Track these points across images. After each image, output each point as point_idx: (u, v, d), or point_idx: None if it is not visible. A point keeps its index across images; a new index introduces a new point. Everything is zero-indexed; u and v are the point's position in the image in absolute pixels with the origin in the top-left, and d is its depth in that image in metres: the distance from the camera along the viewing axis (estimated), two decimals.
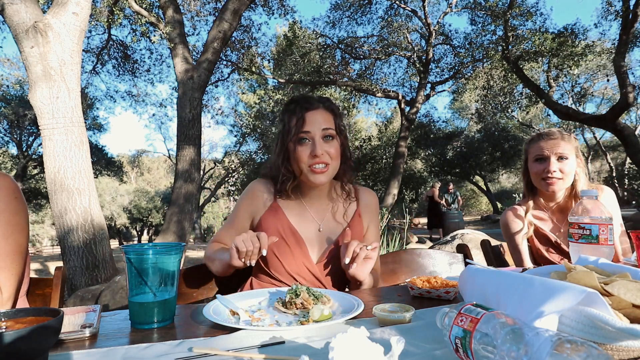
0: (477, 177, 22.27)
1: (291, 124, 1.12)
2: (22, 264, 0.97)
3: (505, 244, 1.73)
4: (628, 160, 17.07)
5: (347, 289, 1.20)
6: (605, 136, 20.71)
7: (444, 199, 10.19)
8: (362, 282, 1.07)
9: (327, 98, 1.20)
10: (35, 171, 17.47)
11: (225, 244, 1.22)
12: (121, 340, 0.72)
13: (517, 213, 1.52)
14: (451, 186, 10.56)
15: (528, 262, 1.48)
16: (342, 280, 1.16)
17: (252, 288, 1.19)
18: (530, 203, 1.49)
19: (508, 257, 1.68)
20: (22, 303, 1.12)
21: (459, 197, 10.56)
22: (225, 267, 1.09)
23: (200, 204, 22.06)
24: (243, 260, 0.98)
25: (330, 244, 1.16)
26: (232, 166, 21.20)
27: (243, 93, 20.21)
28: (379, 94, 12.67)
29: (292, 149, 1.13)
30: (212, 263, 1.16)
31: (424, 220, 19.75)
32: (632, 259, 1.09)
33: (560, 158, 1.38)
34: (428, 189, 13.45)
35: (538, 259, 1.49)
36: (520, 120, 19.39)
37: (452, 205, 10.21)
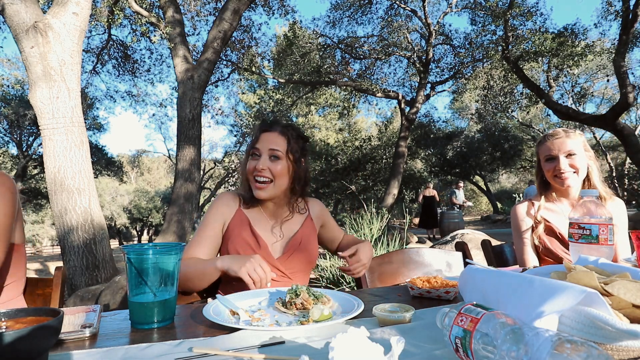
0: (477, 177, 22.27)
1: (250, 141, 1.33)
2: (3, 245, 0.97)
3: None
4: (628, 160, 17.08)
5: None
6: (605, 136, 20.73)
7: (455, 198, 10.31)
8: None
9: (290, 125, 1.34)
10: (35, 171, 17.46)
11: (202, 257, 1.24)
12: (121, 340, 0.72)
13: (527, 208, 1.58)
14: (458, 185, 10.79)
15: (530, 258, 1.51)
16: (303, 270, 1.34)
17: (222, 286, 1.28)
18: (542, 200, 1.56)
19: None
20: (20, 302, 1.12)
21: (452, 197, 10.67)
22: (210, 276, 1.12)
23: (200, 204, 22.06)
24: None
25: (289, 243, 1.33)
26: (232, 166, 21.20)
27: (243, 93, 20.21)
28: (379, 94, 12.67)
29: (246, 161, 1.32)
30: (192, 280, 1.16)
31: None
32: (632, 259, 1.09)
33: (569, 155, 1.45)
34: (422, 189, 13.62)
35: (543, 254, 1.51)
36: (520, 120, 19.39)
37: (467, 203, 10.41)
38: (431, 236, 10.32)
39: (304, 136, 1.37)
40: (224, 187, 23.39)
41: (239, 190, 1.38)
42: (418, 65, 12.50)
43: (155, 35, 8.31)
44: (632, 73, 13.94)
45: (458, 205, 10.31)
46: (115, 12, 7.69)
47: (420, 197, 10.83)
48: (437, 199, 10.53)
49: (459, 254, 1.60)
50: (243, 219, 1.31)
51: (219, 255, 1.32)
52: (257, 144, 1.28)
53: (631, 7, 8.03)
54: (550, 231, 1.50)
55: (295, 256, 1.31)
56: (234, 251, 1.25)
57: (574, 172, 1.45)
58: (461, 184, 10.96)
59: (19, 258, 1.09)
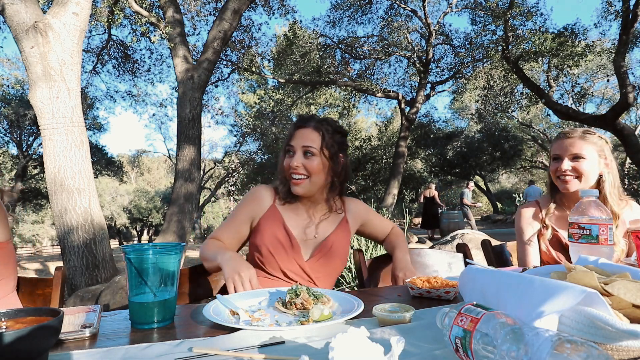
0: (477, 177, 22.26)
1: (286, 138, 1.31)
2: None
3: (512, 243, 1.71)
4: (628, 160, 17.09)
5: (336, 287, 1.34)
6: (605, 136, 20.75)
7: (464, 199, 10.42)
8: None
9: (326, 120, 1.30)
10: (35, 171, 17.43)
11: (223, 241, 1.29)
12: (121, 340, 0.72)
13: (535, 212, 1.49)
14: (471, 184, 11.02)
15: (530, 259, 1.46)
16: (329, 274, 1.31)
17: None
18: (552, 205, 1.45)
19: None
20: (12, 300, 1.10)
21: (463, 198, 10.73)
22: (215, 264, 1.17)
23: (200, 204, 22.06)
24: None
25: (320, 245, 1.29)
26: (232, 166, 21.19)
27: (243, 93, 20.22)
28: (379, 94, 12.68)
29: (283, 159, 1.29)
30: (207, 262, 1.24)
31: None
32: (632, 259, 1.09)
33: (575, 158, 1.34)
34: (422, 189, 13.79)
35: (546, 260, 1.46)
36: (520, 120, 19.37)
37: (477, 204, 10.71)
38: (431, 236, 10.37)
39: (341, 130, 1.32)
40: (224, 187, 23.38)
41: (276, 184, 1.34)
42: (418, 65, 12.51)
43: (155, 35, 8.30)
44: (632, 73, 13.96)
45: (469, 206, 10.42)
46: (115, 12, 7.69)
47: (422, 198, 10.96)
48: (438, 200, 10.65)
49: (460, 255, 1.60)
50: (276, 215, 1.28)
51: (248, 243, 1.35)
52: (292, 141, 1.26)
53: (631, 7, 8.03)
54: (558, 243, 1.43)
55: (324, 260, 1.27)
56: (263, 247, 1.24)
57: (576, 177, 1.34)
58: (471, 185, 11.06)
59: (6, 255, 1.06)
